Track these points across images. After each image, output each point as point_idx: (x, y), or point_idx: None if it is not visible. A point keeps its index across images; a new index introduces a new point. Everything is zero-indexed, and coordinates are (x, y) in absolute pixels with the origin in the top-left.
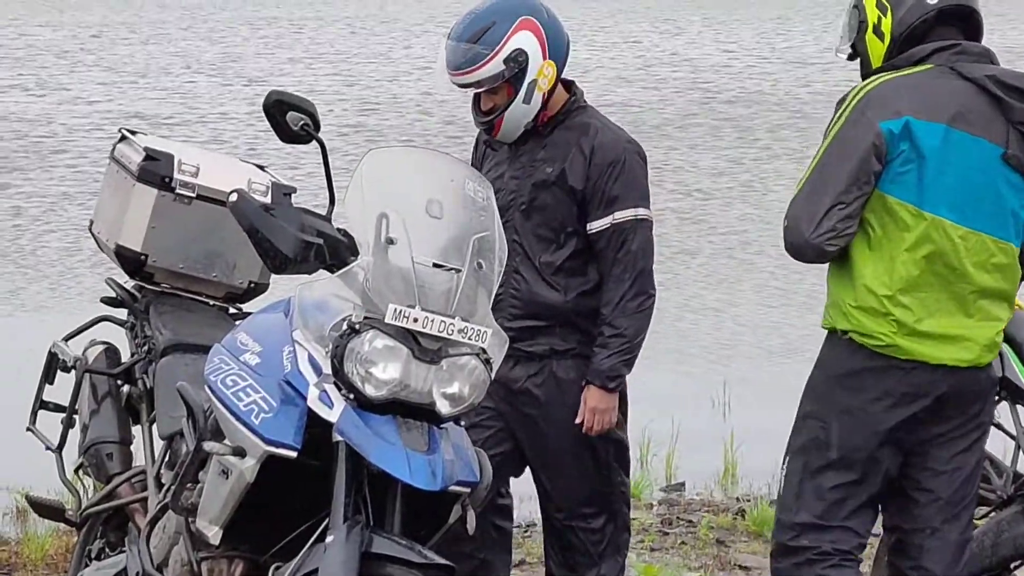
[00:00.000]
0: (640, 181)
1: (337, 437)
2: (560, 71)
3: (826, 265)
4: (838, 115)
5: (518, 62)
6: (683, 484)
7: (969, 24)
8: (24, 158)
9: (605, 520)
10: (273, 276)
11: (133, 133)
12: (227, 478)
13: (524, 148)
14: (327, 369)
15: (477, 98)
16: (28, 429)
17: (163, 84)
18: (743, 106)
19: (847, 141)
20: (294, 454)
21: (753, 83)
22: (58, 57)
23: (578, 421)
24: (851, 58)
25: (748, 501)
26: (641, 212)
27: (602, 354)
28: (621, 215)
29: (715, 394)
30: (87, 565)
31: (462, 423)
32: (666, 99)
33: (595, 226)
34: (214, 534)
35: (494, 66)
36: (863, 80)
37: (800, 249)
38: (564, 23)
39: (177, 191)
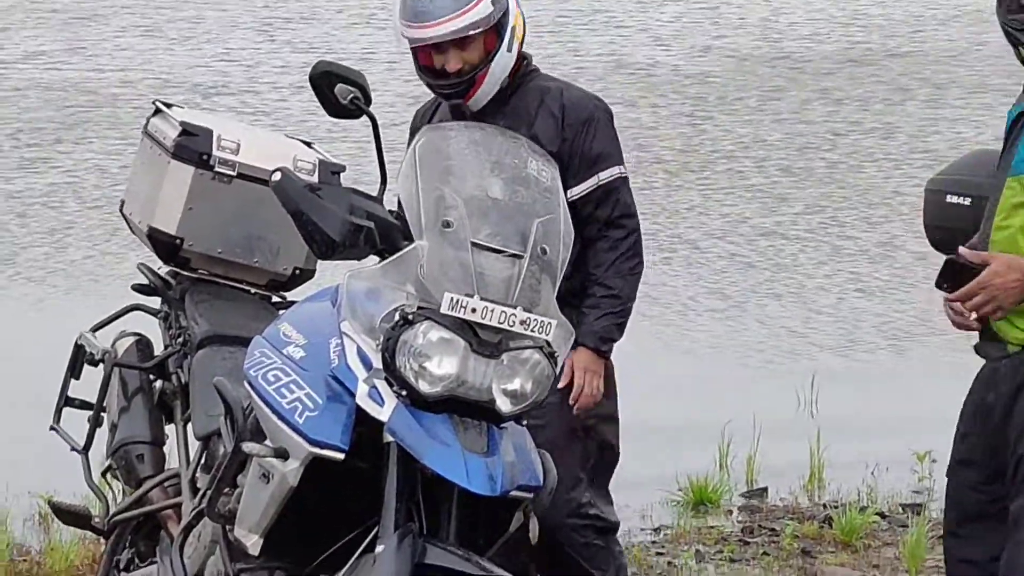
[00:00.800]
0: (616, 138)
1: (388, 437)
2: None
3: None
4: None
5: (502, 3)
6: (765, 489)
7: None
8: (62, 129)
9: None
10: (320, 262)
11: (168, 106)
12: (268, 482)
13: (479, 120)
14: (378, 364)
15: (428, 61)
16: (52, 428)
17: (206, 49)
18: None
19: None
20: (341, 456)
21: None
22: (93, 19)
23: (562, 385)
24: None
25: (836, 508)
26: (624, 170)
27: (593, 314)
28: (606, 175)
29: (801, 390)
30: (116, 575)
31: (524, 423)
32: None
33: (578, 190)
34: (253, 543)
35: (484, 7)
36: None
37: None
38: None
39: (216, 169)
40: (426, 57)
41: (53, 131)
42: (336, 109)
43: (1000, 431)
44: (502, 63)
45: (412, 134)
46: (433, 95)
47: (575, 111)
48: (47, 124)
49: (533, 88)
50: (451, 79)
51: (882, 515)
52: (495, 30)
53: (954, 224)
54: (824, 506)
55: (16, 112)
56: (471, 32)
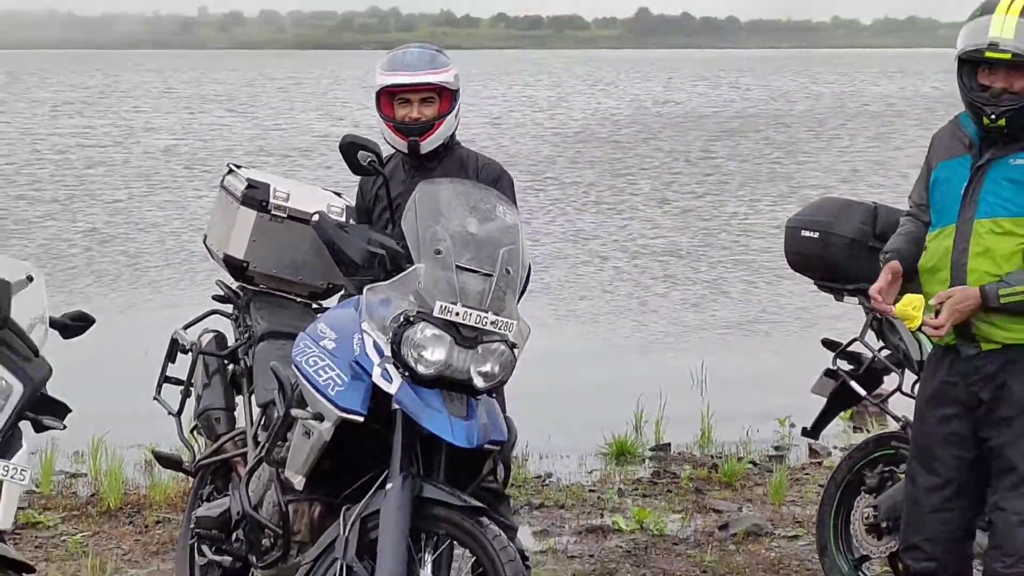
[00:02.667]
0: (512, 194)
1: (395, 406)
2: None
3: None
4: None
5: (457, 83)
6: (669, 444)
7: None
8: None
9: None
10: (345, 279)
11: (239, 167)
12: (309, 437)
13: (420, 175)
14: (388, 352)
15: (391, 112)
16: (154, 399)
17: (265, 123)
18: None
19: None
20: (361, 419)
21: None
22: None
23: None
24: None
25: (720, 458)
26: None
27: None
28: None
29: (695, 371)
30: (199, 506)
31: (493, 395)
32: None
33: None
34: (298, 481)
35: (450, 75)
36: None
37: None
38: None
39: (272, 213)
40: (389, 107)
41: (152, 175)
42: (358, 169)
43: (982, 418)
44: (450, 123)
45: (362, 194)
46: (384, 158)
47: (488, 172)
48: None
49: (458, 153)
50: (412, 124)
51: (754, 463)
52: (451, 96)
53: (806, 251)
54: (712, 456)
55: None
56: (443, 85)
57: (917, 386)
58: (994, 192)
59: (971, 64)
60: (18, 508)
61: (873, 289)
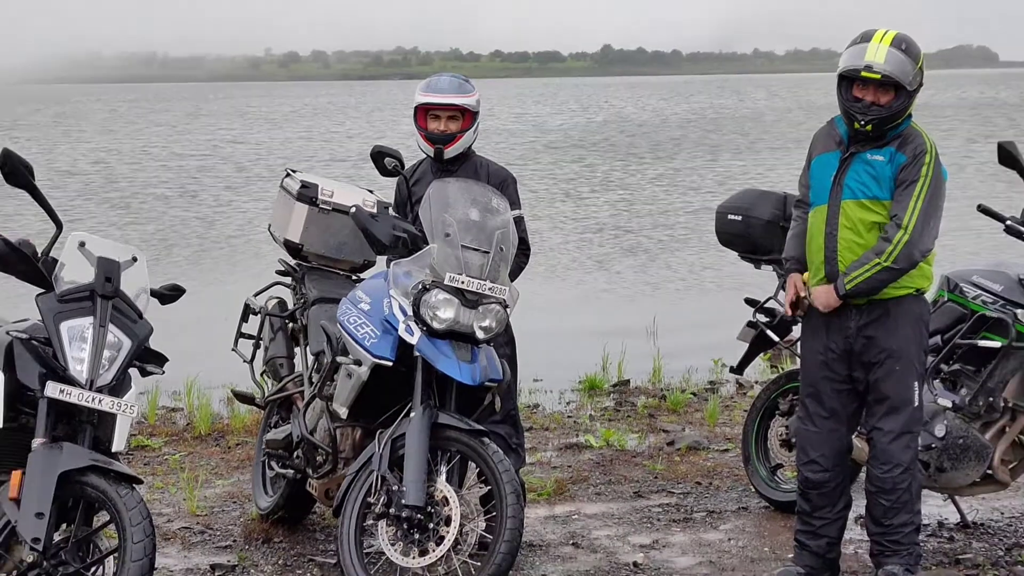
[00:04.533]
0: (517, 193)
1: (416, 353)
2: None
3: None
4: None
5: (479, 106)
6: (628, 381)
7: None
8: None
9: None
10: (377, 257)
11: (294, 171)
12: (351, 378)
13: (444, 176)
14: (410, 312)
15: (425, 124)
16: (232, 350)
17: (313, 134)
18: None
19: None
20: (390, 363)
21: None
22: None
23: None
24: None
25: (668, 390)
26: (521, 212)
27: None
28: (512, 213)
29: (649, 323)
30: (268, 431)
31: (491, 344)
32: None
33: None
34: (343, 412)
35: (475, 99)
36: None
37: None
38: None
39: (320, 206)
40: (423, 120)
41: (232, 180)
42: (385, 172)
43: (854, 361)
44: (469, 137)
45: (398, 190)
46: (418, 160)
47: (496, 176)
48: (228, 174)
49: (474, 160)
50: (440, 135)
51: (694, 394)
52: (472, 117)
53: (731, 231)
54: (661, 389)
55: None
56: (464, 107)
57: None
58: (855, 179)
59: (849, 80)
60: (130, 435)
61: (788, 303)
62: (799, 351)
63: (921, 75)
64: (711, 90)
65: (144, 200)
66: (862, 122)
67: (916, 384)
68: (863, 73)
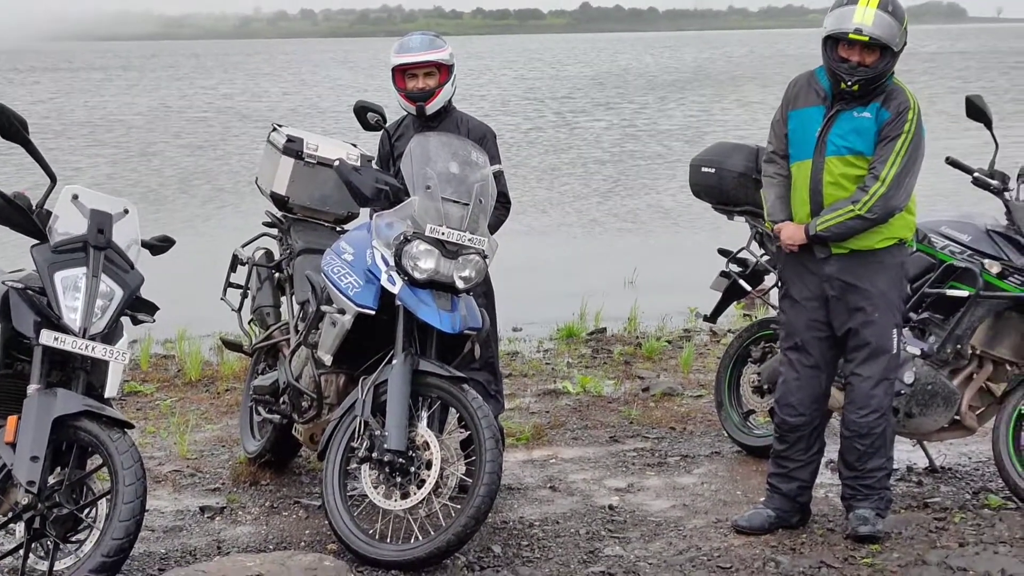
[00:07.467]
0: (497, 148)
1: (398, 302)
2: None
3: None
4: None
5: (452, 59)
6: (605, 328)
7: None
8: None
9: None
10: (360, 209)
11: (280, 126)
12: (335, 326)
13: (426, 131)
14: (392, 263)
15: (402, 84)
16: (221, 299)
17: (302, 90)
18: None
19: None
20: (373, 312)
21: None
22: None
23: None
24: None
25: (644, 338)
26: (500, 167)
27: None
28: (491, 168)
29: (628, 274)
30: (256, 378)
31: (470, 293)
32: None
33: None
34: (328, 359)
35: (447, 54)
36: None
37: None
38: None
39: (305, 160)
40: (401, 80)
41: (220, 134)
42: (368, 127)
43: (833, 308)
44: (447, 90)
45: (381, 144)
46: (400, 117)
47: (476, 131)
48: (217, 129)
49: (455, 115)
50: (418, 92)
51: (669, 342)
52: (448, 70)
53: (705, 183)
54: (637, 337)
55: (213, 125)
56: (438, 62)
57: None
58: (841, 135)
59: (835, 41)
60: (123, 381)
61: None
62: (779, 303)
63: (905, 35)
64: (686, 45)
65: (154, 149)
66: (849, 83)
67: (895, 331)
68: (851, 35)
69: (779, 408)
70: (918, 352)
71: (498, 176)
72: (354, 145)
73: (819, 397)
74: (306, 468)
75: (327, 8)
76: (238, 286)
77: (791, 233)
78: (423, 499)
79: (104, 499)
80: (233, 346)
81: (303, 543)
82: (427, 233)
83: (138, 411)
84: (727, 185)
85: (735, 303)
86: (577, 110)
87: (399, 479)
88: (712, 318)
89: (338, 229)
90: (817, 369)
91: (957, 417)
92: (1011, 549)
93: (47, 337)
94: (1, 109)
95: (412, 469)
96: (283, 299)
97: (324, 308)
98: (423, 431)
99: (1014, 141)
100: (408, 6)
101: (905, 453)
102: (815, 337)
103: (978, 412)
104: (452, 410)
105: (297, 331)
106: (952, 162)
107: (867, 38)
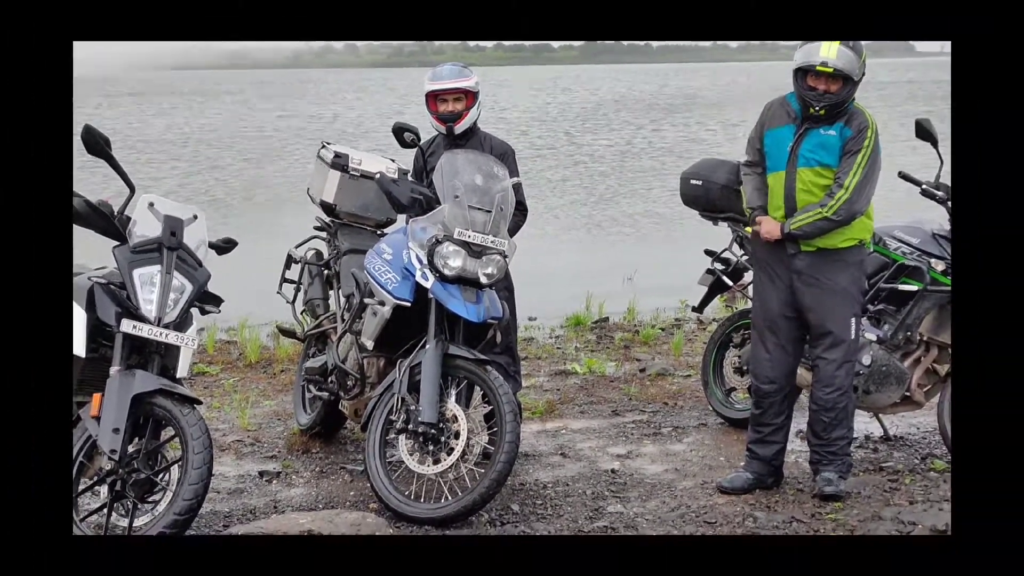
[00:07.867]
0: (515, 163)
1: (431, 296)
2: None
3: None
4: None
5: (478, 87)
6: (608, 318)
7: None
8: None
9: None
10: (398, 215)
11: (328, 143)
12: (376, 316)
13: (455, 148)
14: (425, 261)
15: (435, 107)
16: (277, 292)
17: (345, 112)
18: None
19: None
20: (409, 304)
21: None
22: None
23: None
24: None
25: (640, 326)
26: (519, 179)
27: None
28: (511, 181)
29: (628, 273)
30: (307, 360)
31: (493, 288)
32: None
33: None
34: (370, 344)
35: (473, 82)
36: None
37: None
38: None
39: (351, 173)
40: (434, 104)
41: (278, 151)
42: (404, 144)
43: (799, 300)
44: (473, 114)
45: (416, 159)
46: (432, 136)
47: (498, 148)
48: (276, 146)
49: (479, 134)
50: (447, 115)
51: (662, 329)
52: (474, 96)
53: (694, 193)
54: (635, 325)
55: (273, 143)
56: (465, 89)
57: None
58: (810, 150)
59: (805, 72)
60: (192, 363)
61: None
62: (752, 294)
63: (864, 66)
64: (678, 76)
65: (221, 163)
66: (816, 107)
67: (853, 321)
68: (818, 67)
69: (753, 378)
70: (874, 338)
71: (516, 187)
72: (393, 160)
73: (787, 372)
74: (351, 438)
75: (368, 42)
76: (292, 281)
77: (770, 228)
78: (452, 464)
79: (176, 465)
80: (287, 333)
81: (348, 503)
82: (455, 236)
83: (205, 389)
84: (713, 195)
85: (719, 296)
86: (584, 130)
87: (431, 447)
88: (699, 309)
89: (379, 232)
90: (785, 351)
91: (907, 393)
92: None
93: (127, 325)
94: (88, 130)
95: (442, 439)
96: (331, 292)
97: (367, 300)
98: (452, 406)
99: None
100: (438, 41)
101: (863, 424)
102: (784, 317)
103: (925, 389)
104: (477, 388)
105: (343, 320)
106: (904, 176)
107: (832, 70)
